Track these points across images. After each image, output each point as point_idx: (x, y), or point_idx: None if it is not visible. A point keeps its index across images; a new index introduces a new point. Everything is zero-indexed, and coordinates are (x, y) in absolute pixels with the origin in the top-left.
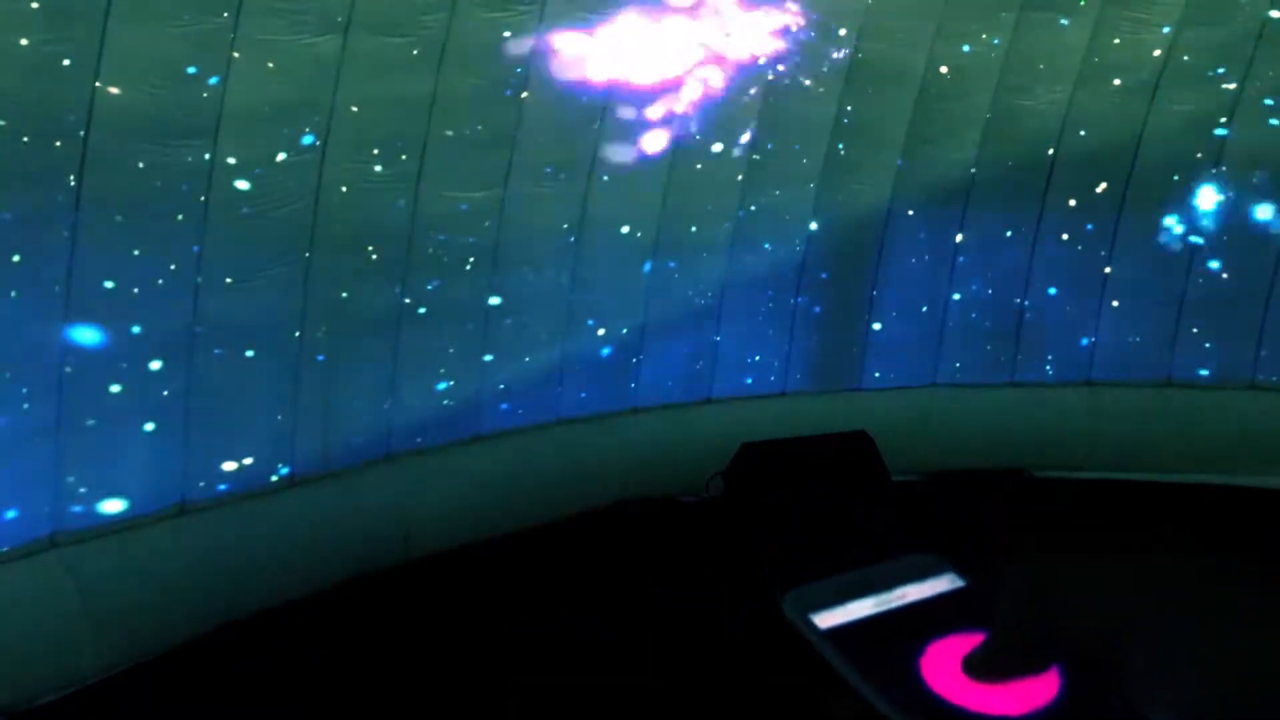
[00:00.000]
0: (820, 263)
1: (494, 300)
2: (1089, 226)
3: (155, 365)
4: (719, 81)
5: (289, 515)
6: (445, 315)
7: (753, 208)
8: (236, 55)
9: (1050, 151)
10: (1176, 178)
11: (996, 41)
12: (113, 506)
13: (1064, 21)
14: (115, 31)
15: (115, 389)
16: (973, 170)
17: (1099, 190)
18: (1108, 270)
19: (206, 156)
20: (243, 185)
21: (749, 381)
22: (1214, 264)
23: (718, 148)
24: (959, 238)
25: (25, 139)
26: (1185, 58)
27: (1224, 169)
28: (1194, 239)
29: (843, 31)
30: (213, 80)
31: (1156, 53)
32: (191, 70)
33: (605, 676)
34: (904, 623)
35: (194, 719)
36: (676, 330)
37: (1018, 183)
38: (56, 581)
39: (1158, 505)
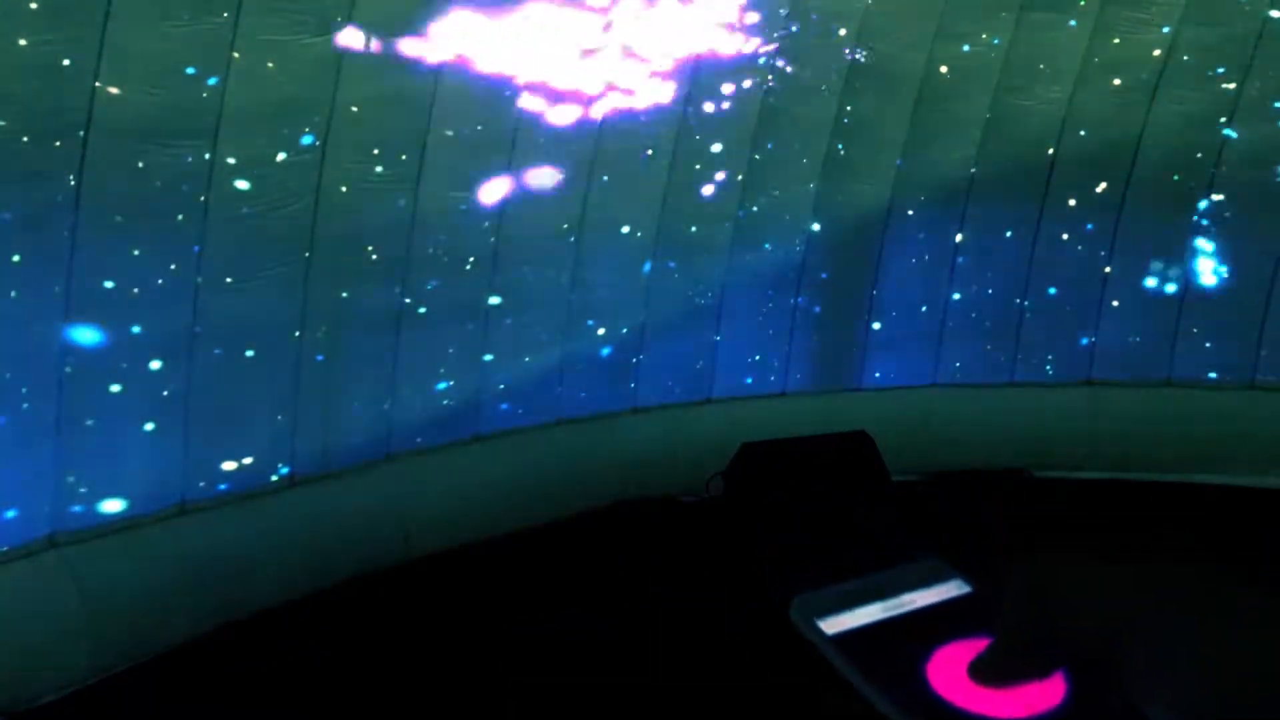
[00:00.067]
0: (820, 263)
1: (494, 300)
2: (1089, 226)
3: (155, 365)
4: (718, 81)
5: (289, 515)
6: (445, 315)
7: (754, 208)
8: (236, 55)
9: (1050, 151)
10: (1177, 178)
11: (996, 41)
12: (113, 506)
13: (1064, 21)
14: (115, 31)
15: (115, 389)
16: (973, 170)
17: (1099, 190)
18: (1108, 270)
19: (206, 156)
20: (243, 185)
21: (749, 381)
22: (1214, 264)
23: (717, 148)
24: (959, 238)
25: (25, 139)
26: (1185, 58)
27: (1224, 169)
28: (1194, 239)
29: (843, 31)
30: (212, 80)
31: (1156, 53)
32: (191, 70)
33: (605, 676)
34: (910, 628)
35: (194, 719)
36: (676, 330)
37: (1018, 183)
38: (56, 581)
39: (1158, 505)
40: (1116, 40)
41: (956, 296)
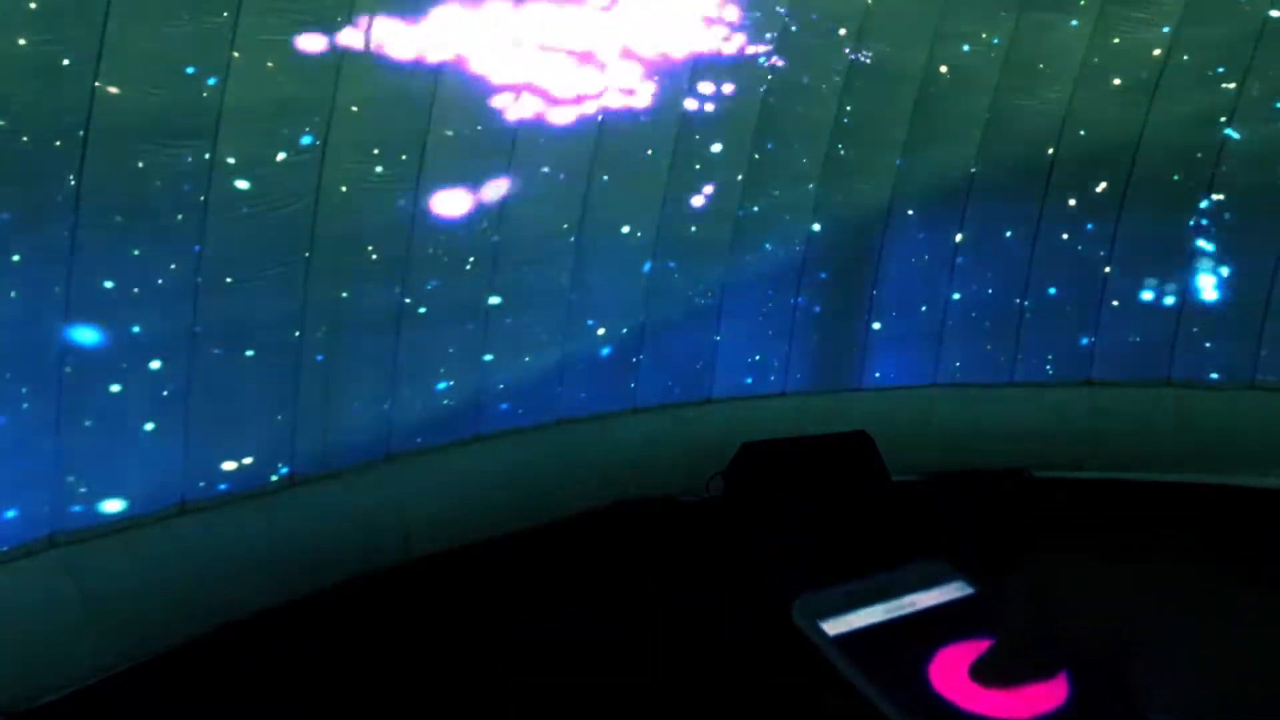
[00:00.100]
0: (820, 262)
1: (494, 300)
2: (1089, 226)
3: (155, 365)
4: (718, 81)
5: (289, 515)
6: (445, 315)
7: (754, 208)
8: (236, 55)
9: (1050, 151)
10: (1177, 177)
11: (996, 41)
12: (113, 506)
13: (1064, 21)
14: (115, 31)
15: (115, 389)
16: (973, 170)
17: (1099, 190)
18: (1107, 270)
19: (206, 156)
20: (243, 185)
21: (749, 381)
22: (1214, 264)
23: (717, 148)
24: (959, 237)
25: (25, 139)
26: (1185, 57)
27: (1224, 169)
28: (1194, 238)
29: (842, 31)
30: (212, 80)
31: (1157, 52)
32: (191, 70)
33: (605, 676)
34: (913, 629)
35: (194, 719)
36: (676, 330)
37: (1018, 183)
38: (56, 581)
39: (1158, 505)
40: (1116, 40)
41: (956, 296)
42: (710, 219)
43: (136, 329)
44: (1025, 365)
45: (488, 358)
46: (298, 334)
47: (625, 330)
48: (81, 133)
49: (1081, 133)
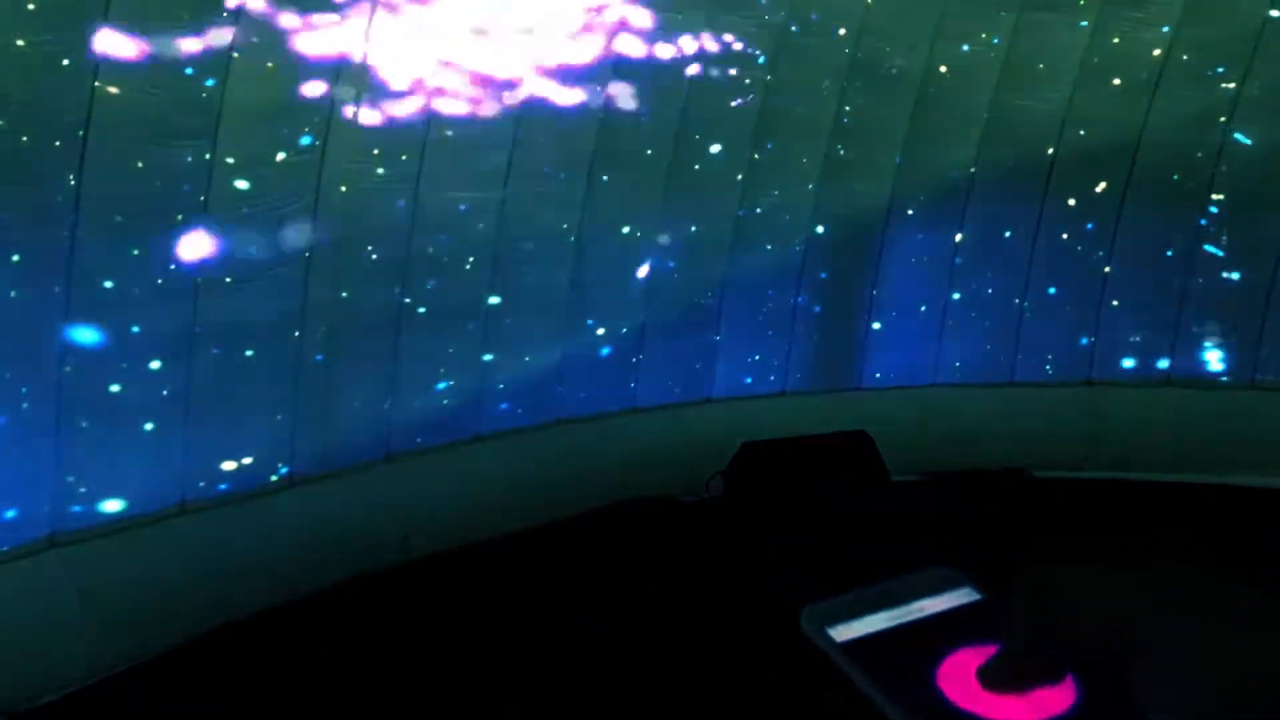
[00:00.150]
0: (820, 262)
1: (494, 300)
2: (1089, 226)
3: (155, 365)
4: (718, 80)
5: (289, 515)
6: (445, 315)
7: (757, 210)
8: (236, 55)
9: (1050, 151)
10: (1176, 177)
11: (996, 41)
12: (112, 506)
13: (1064, 21)
14: (114, 31)
15: (115, 389)
16: (973, 170)
17: (1099, 190)
18: (1107, 270)
19: (206, 156)
20: (242, 185)
21: (749, 381)
22: (1214, 263)
23: (717, 148)
24: (959, 237)
25: (25, 139)
26: (1185, 57)
27: (1224, 168)
28: (1194, 238)
29: (842, 31)
30: (211, 80)
31: (1156, 52)
32: (191, 70)
33: (605, 676)
34: (921, 634)
35: (194, 719)
36: (676, 330)
37: (1018, 183)
38: (56, 582)
39: (1158, 505)
40: (1116, 40)
41: (956, 296)
42: (710, 219)
43: (136, 329)
44: (1025, 365)
45: (488, 358)
46: (298, 334)
47: (625, 330)
48: (81, 133)
49: (1081, 133)
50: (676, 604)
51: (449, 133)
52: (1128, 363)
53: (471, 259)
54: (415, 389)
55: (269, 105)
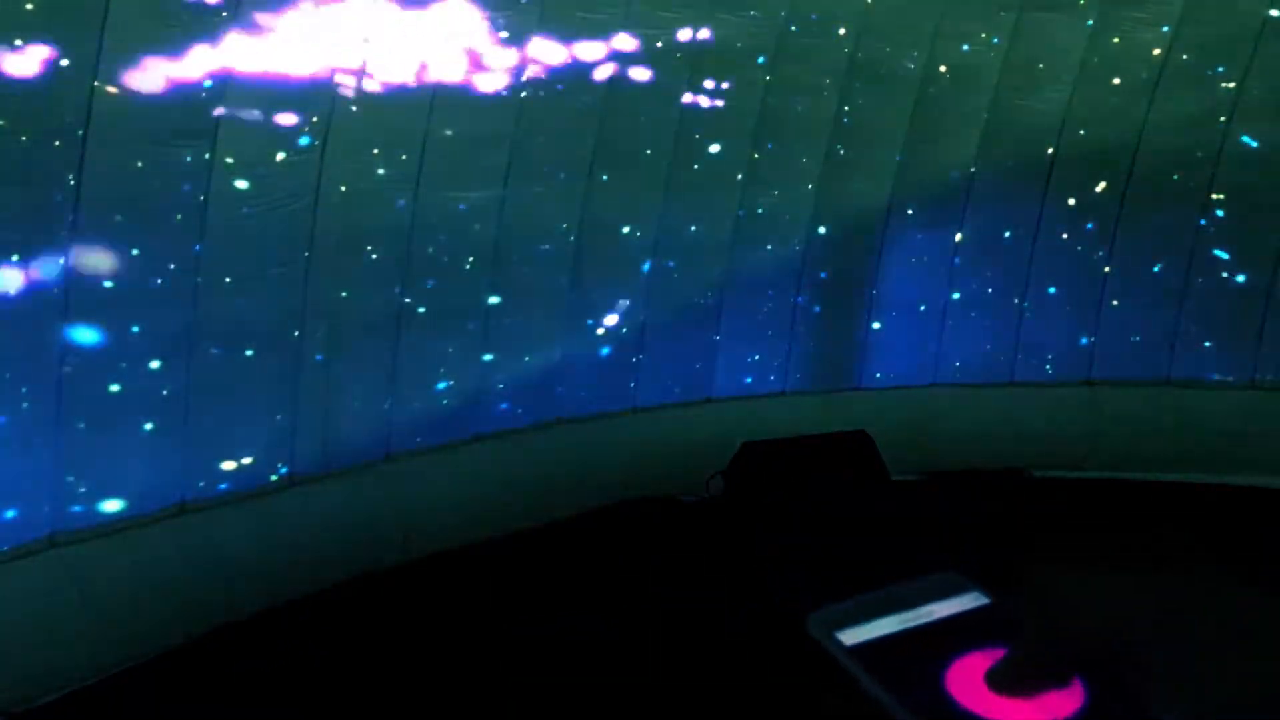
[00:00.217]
0: (820, 262)
1: (494, 300)
2: (1089, 226)
3: (155, 365)
4: (718, 80)
5: (289, 515)
6: (445, 315)
7: (757, 210)
8: (236, 55)
9: (1050, 151)
10: (1176, 177)
11: (996, 41)
12: (112, 506)
13: (1064, 21)
14: (114, 31)
15: (115, 389)
16: (972, 170)
17: (1099, 189)
18: (1107, 270)
19: (206, 156)
20: (242, 185)
21: (749, 381)
22: (1214, 263)
23: (717, 148)
24: (958, 237)
25: (25, 139)
26: (1185, 57)
27: (1224, 168)
28: (1194, 238)
29: (842, 31)
30: (211, 81)
31: (1156, 52)
32: (190, 70)
33: (605, 676)
34: (928, 639)
35: (194, 719)
36: (676, 330)
37: (1017, 182)
38: (56, 582)
39: (1158, 505)
40: (1116, 40)
41: (956, 296)
42: (710, 219)
43: (136, 329)
44: (1025, 365)
45: (488, 358)
46: (298, 334)
47: (625, 330)
48: (81, 132)
49: (1081, 133)
50: (676, 604)
51: (449, 132)
52: (1128, 363)
53: (471, 259)
54: (415, 389)
55: (269, 105)
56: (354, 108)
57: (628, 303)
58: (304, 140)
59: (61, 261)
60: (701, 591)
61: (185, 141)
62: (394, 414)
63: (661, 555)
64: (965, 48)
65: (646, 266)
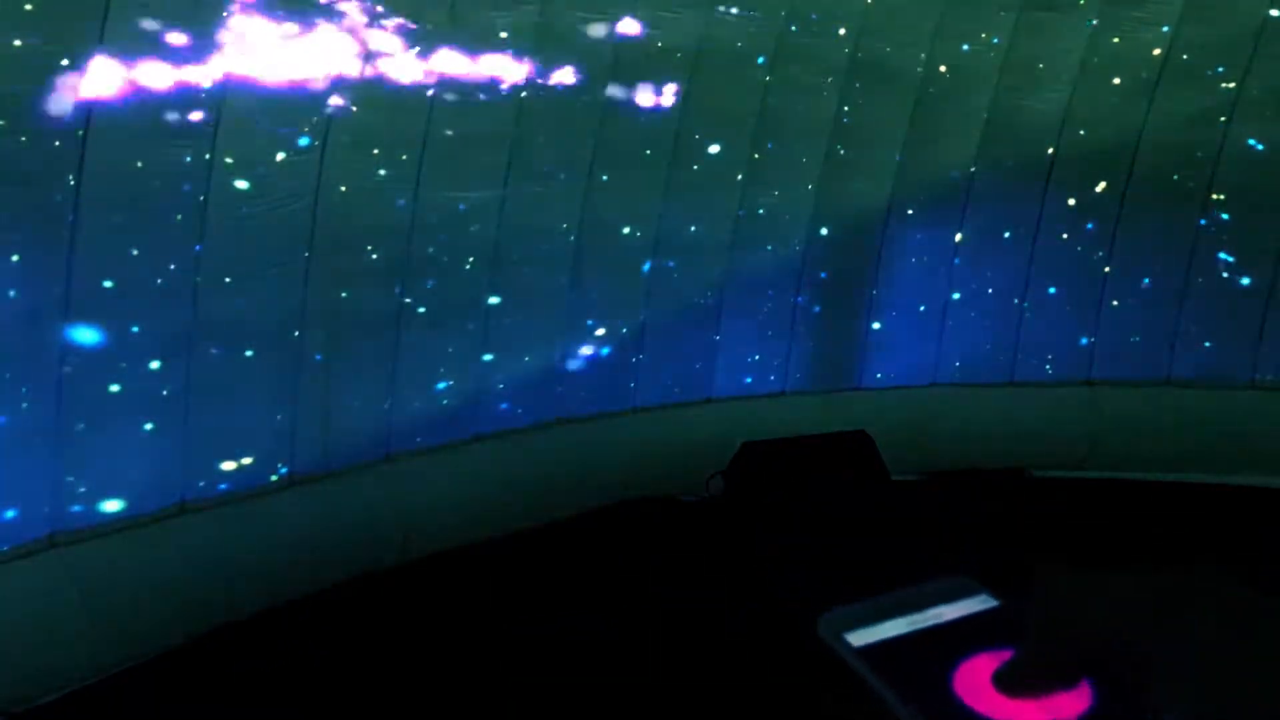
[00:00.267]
0: (820, 262)
1: (494, 300)
2: (1089, 226)
3: (155, 365)
4: (718, 80)
5: (289, 515)
6: (445, 315)
7: (757, 210)
8: (236, 55)
9: (1050, 151)
10: (1176, 177)
11: (996, 41)
12: (112, 506)
13: (1064, 21)
14: (114, 31)
15: (115, 389)
16: (972, 170)
17: (1099, 189)
18: (1107, 270)
19: (206, 156)
20: (242, 185)
21: (749, 381)
22: (1214, 263)
23: (716, 148)
24: (958, 237)
25: (24, 139)
26: (1185, 57)
27: (1224, 168)
28: (1194, 238)
29: (842, 31)
30: (211, 81)
31: (1156, 52)
32: (190, 70)
33: (605, 676)
34: (936, 640)
35: (194, 719)
36: (676, 330)
37: (1017, 182)
38: (56, 582)
39: (1157, 505)
40: (1116, 40)
41: (956, 296)
42: (710, 219)
43: (136, 329)
44: (1025, 365)
45: (488, 358)
46: (297, 334)
47: (625, 330)
48: (81, 132)
49: (1081, 133)
50: (676, 604)
51: (449, 132)
52: (1128, 363)
53: (471, 259)
54: (415, 389)
55: (269, 105)
56: (354, 108)
57: (628, 303)
58: (304, 140)
59: (61, 261)
60: (701, 591)
61: (185, 141)
62: (394, 414)
63: (661, 555)
64: (965, 47)
65: (646, 266)
